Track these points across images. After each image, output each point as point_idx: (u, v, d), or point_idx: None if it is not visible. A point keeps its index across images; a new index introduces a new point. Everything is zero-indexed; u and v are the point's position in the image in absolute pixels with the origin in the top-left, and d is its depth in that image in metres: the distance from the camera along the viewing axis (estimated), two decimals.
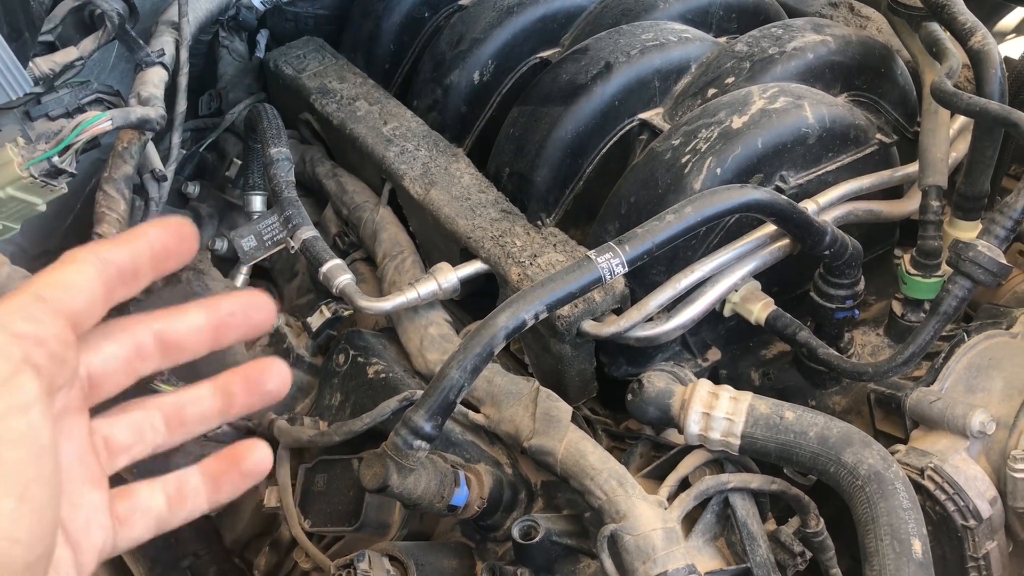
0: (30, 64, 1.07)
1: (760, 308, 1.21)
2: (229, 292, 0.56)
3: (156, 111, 1.16)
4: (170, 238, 0.53)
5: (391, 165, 1.44)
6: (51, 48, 1.15)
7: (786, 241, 1.20)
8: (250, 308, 0.56)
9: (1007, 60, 1.22)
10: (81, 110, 1.18)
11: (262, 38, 1.79)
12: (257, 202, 1.58)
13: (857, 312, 1.23)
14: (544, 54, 1.56)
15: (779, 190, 1.23)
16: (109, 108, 1.17)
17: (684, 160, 1.21)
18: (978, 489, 1.04)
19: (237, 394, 0.56)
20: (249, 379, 0.57)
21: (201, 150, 1.72)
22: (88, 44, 1.13)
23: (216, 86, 1.77)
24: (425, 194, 1.38)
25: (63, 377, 0.47)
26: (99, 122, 1.05)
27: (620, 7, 1.52)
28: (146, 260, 0.52)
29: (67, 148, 1.03)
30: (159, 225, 0.53)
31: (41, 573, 0.45)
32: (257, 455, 0.57)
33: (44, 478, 0.45)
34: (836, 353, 1.16)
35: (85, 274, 0.49)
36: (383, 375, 1.28)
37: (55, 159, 1.03)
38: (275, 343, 1.42)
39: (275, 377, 0.57)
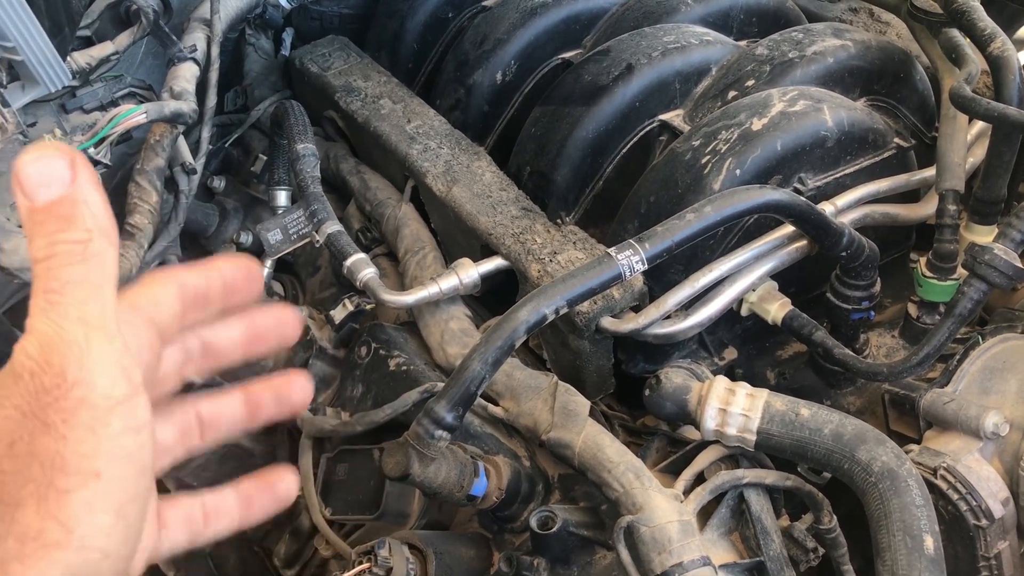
0: (68, 58, 1.10)
1: (777, 308, 1.23)
2: (262, 306, 0.60)
3: (188, 105, 1.19)
4: (240, 274, 0.57)
5: (414, 162, 1.46)
6: (88, 43, 1.18)
7: (803, 242, 1.22)
8: (281, 323, 0.60)
9: None
10: (114, 104, 1.21)
11: (288, 36, 1.82)
12: (282, 197, 1.60)
13: (873, 314, 1.25)
14: (566, 55, 1.58)
15: (797, 192, 1.24)
16: (142, 102, 1.20)
17: (704, 161, 1.23)
18: (991, 489, 1.05)
19: (264, 405, 0.60)
20: (278, 391, 0.60)
21: (227, 146, 1.75)
22: (124, 39, 1.16)
23: (242, 83, 1.80)
24: (447, 191, 1.40)
25: (149, 384, 0.50)
26: (134, 115, 1.07)
27: (642, 9, 1.54)
28: (217, 290, 0.56)
29: (102, 140, 1.06)
30: (231, 261, 0.57)
31: None
32: (288, 484, 0.60)
33: (140, 497, 0.47)
34: (852, 353, 1.18)
35: (168, 292, 0.52)
36: (404, 367, 1.30)
37: (91, 150, 1.06)
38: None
39: (300, 391, 0.60)
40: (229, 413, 0.59)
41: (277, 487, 0.60)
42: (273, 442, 1.44)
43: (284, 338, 0.60)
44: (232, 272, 0.56)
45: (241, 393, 0.60)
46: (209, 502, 0.58)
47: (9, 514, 0.43)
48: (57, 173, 0.46)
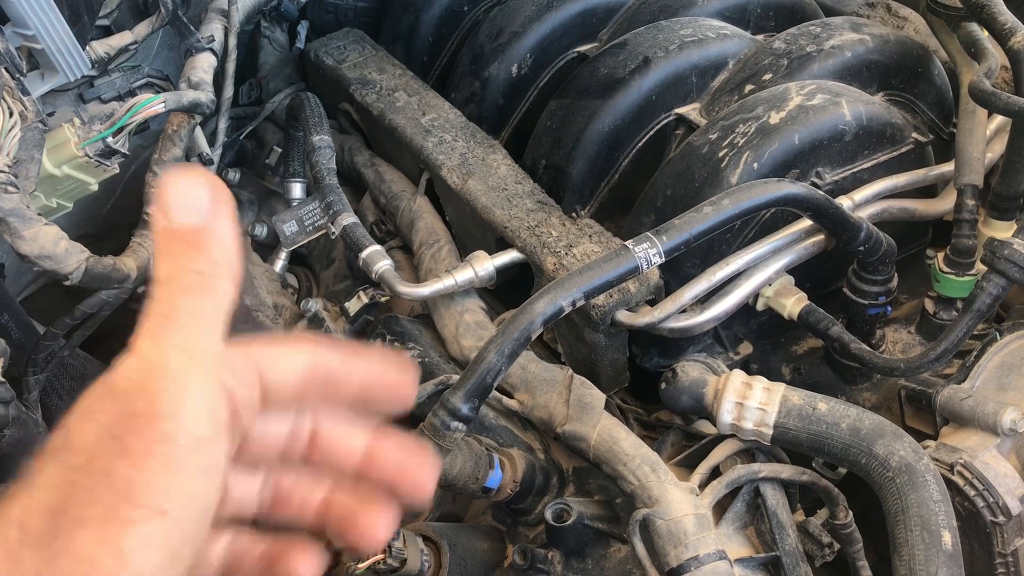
0: (87, 47, 1.10)
1: (793, 303, 1.22)
2: (390, 438, 0.54)
3: (206, 95, 1.19)
4: (389, 375, 0.53)
5: (429, 155, 1.46)
6: (107, 32, 1.18)
7: (821, 236, 1.21)
8: (413, 471, 0.54)
9: None
10: (132, 94, 1.21)
11: (302, 29, 1.82)
12: (297, 189, 1.61)
13: (889, 309, 1.24)
14: (582, 48, 1.58)
15: (814, 186, 1.24)
16: (159, 92, 1.20)
17: (721, 154, 1.22)
18: (1008, 486, 1.05)
19: (335, 514, 0.54)
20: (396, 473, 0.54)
21: (241, 138, 1.76)
22: (142, 29, 1.16)
23: (256, 76, 1.80)
24: (463, 184, 1.40)
25: (233, 431, 0.48)
26: (153, 104, 1.08)
27: (659, 3, 1.54)
28: (355, 382, 0.52)
29: (121, 129, 1.06)
30: (383, 357, 0.53)
31: None
32: (306, 569, 0.55)
33: (197, 539, 0.46)
34: (868, 348, 1.17)
35: (295, 359, 0.50)
36: (418, 359, 1.30)
37: (109, 139, 1.06)
38: (313, 326, 1.45)
39: (424, 478, 0.54)
40: (309, 496, 0.54)
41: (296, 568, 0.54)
42: None
43: (408, 489, 0.53)
44: (383, 371, 0.53)
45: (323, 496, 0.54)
46: (232, 555, 0.54)
47: (69, 530, 0.42)
48: (199, 201, 0.46)
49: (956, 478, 1.05)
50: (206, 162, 1.29)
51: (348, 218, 1.36)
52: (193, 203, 0.46)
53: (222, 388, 0.46)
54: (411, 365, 0.55)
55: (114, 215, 1.49)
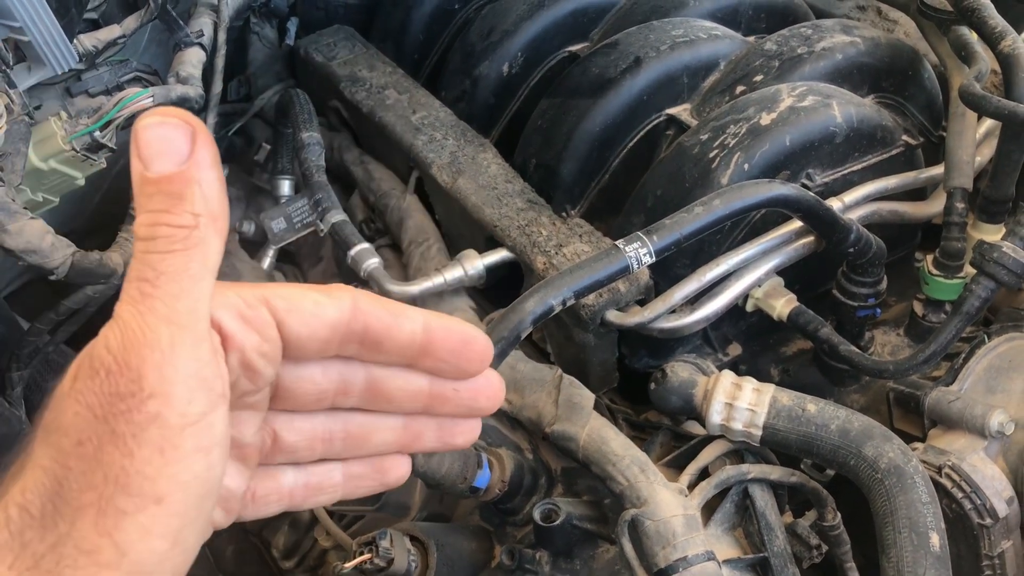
0: (75, 40, 1.09)
1: (783, 304, 1.22)
2: (466, 380, 0.51)
3: (195, 90, 1.18)
4: (450, 340, 0.49)
5: (419, 153, 1.45)
6: (95, 25, 1.17)
7: (811, 238, 1.21)
8: (479, 389, 0.52)
9: None
10: (120, 88, 1.20)
11: (292, 25, 1.81)
12: (285, 186, 1.60)
13: (879, 311, 1.24)
14: (573, 48, 1.57)
15: (805, 188, 1.24)
16: (147, 86, 1.19)
17: (712, 155, 1.22)
18: (995, 488, 1.05)
19: (426, 436, 0.54)
20: (443, 426, 0.54)
21: (230, 135, 1.74)
22: (131, 22, 1.15)
23: (245, 72, 1.79)
24: (452, 183, 1.40)
25: (248, 386, 0.46)
26: (141, 98, 1.07)
27: (650, 4, 1.53)
28: (402, 341, 0.49)
29: (109, 123, 1.05)
30: (443, 320, 0.50)
31: None
32: (402, 471, 0.55)
33: (200, 521, 0.44)
34: (857, 350, 1.17)
35: (323, 308, 0.46)
36: None
37: (96, 134, 1.05)
38: None
39: (466, 434, 0.54)
40: (385, 434, 0.53)
41: (389, 473, 0.55)
42: None
43: (480, 410, 0.52)
44: (440, 334, 0.49)
45: (403, 419, 0.53)
46: (314, 479, 0.53)
47: (70, 517, 0.41)
48: (175, 144, 0.41)
49: (944, 480, 1.05)
50: None
51: (337, 215, 1.35)
52: (170, 147, 0.41)
53: (214, 354, 0.43)
54: (481, 335, 0.50)
55: (101, 210, 1.47)
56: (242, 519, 0.52)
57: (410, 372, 0.51)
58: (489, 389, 0.52)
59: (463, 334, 0.50)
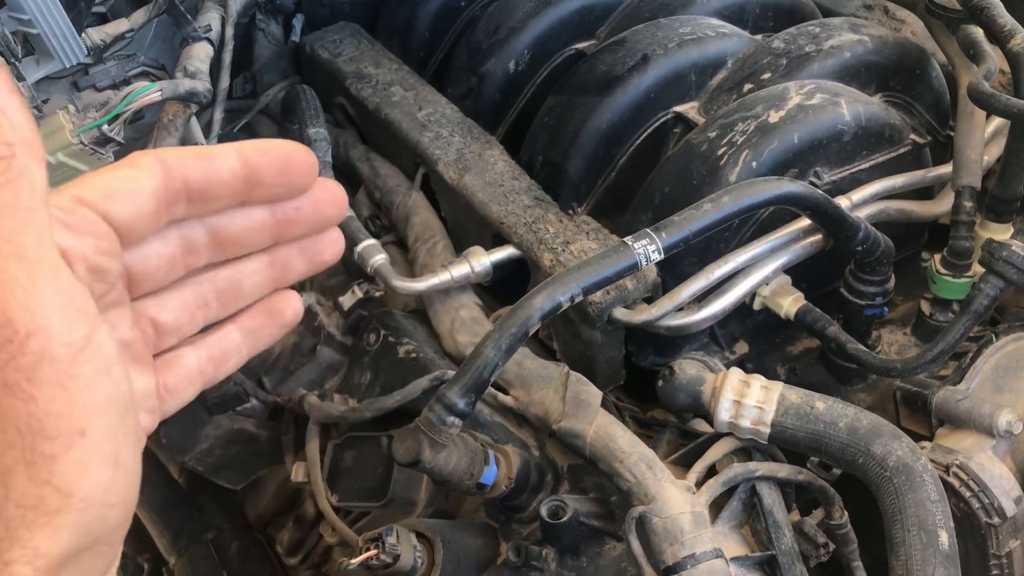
0: (83, 34, 1.09)
1: (790, 302, 1.22)
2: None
3: (203, 85, 1.18)
4: (270, 162, 0.48)
5: (425, 150, 1.45)
6: (103, 19, 1.17)
7: (818, 236, 1.21)
8: (320, 201, 0.51)
9: None
10: (127, 82, 1.20)
11: (298, 22, 1.81)
12: None
13: (886, 309, 1.24)
14: (580, 46, 1.57)
15: (812, 186, 1.24)
16: (155, 80, 1.19)
17: (720, 152, 1.22)
18: (1003, 487, 1.05)
19: (294, 263, 0.54)
20: (306, 248, 0.53)
21: (235, 131, 1.74)
22: (139, 16, 1.15)
23: (251, 68, 1.79)
24: (459, 179, 1.40)
25: (102, 287, 0.44)
26: (149, 92, 1.07)
27: (657, 1, 1.53)
28: (225, 181, 0.47)
29: (116, 117, 1.05)
30: (257, 146, 0.48)
31: (128, 522, 0.44)
32: (294, 306, 0.55)
33: (132, 437, 0.43)
34: (865, 349, 1.17)
35: (137, 182, 0.45)
36: (413, 355, 1.30)
37: (104, 127, 1.05)
38: (306, 320, 1.44)
39: (332, 247, 0.54)
40: (254, 277, 0.53)
41: (283, 314, 0.55)
42: (279, 427, 1.43)
43: (326, 220, 0.52)
44: (256, 158, 0.47)
45: (265, 255, 0.53)
46: (216, 349, 0.53)
47: (2, 480, 0.39)
48: None
49: (952, 479, 1.05)
50: None
51: None
52: None
53: (73, 277, 0.41)
54: (298, 147, 0.49)
55: None
56: (167, 414, 0.51)
57: (247, 209, 0.50)
58: (329, 196, 0.52)
59: (280, 152, 0.49)
